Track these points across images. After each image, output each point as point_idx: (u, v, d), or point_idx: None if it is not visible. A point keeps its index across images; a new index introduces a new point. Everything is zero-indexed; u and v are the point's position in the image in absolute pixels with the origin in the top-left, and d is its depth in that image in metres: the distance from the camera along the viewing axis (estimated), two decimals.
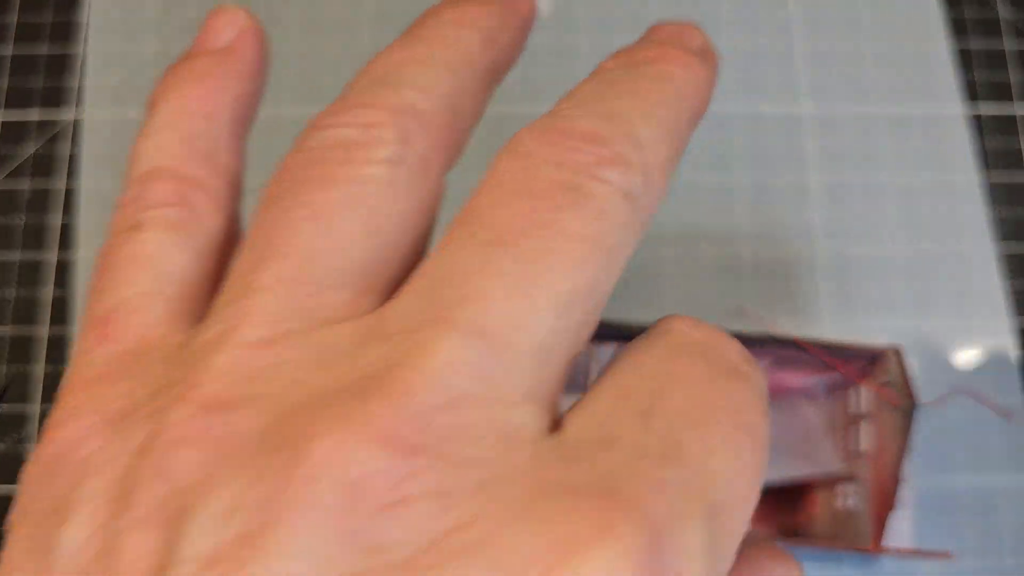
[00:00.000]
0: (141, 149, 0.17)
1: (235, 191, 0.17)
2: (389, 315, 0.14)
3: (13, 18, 0.39)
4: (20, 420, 0.34)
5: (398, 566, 0.11)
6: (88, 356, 0.15)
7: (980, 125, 0.38)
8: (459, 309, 0.13)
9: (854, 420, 0.32)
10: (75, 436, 0.14)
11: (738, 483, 0.13)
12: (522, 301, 0.13)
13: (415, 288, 0.14)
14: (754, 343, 0.30)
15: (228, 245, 0.17)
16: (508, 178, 0.14)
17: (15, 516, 0.14)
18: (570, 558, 0.11)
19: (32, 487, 0.14)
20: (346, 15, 0.39)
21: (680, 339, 0.15)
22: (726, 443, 0.13)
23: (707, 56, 0.17)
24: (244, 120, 0.18)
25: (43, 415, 0.34)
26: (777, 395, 0.34)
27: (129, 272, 0.15)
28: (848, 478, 0.31)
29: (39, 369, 0.35)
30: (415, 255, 0.15)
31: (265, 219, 0.15)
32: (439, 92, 0.16)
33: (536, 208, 0.14)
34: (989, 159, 0.38)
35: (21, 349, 0.35)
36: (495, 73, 0.18)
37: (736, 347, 0.15)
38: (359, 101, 0.15)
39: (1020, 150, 0.38)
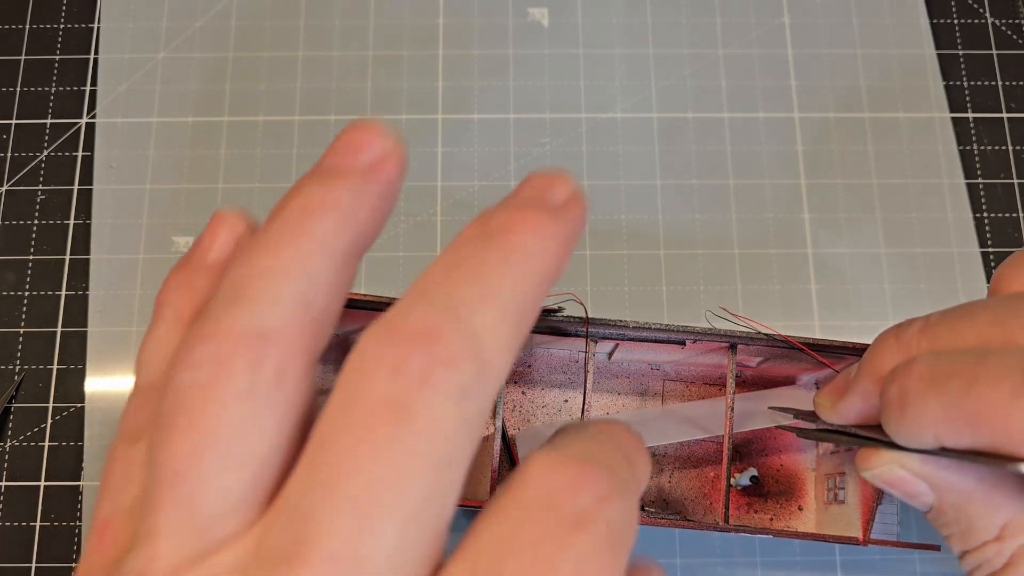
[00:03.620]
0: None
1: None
2: (261, 551, 0.15)
3: (27, 26, 0.40)
4: (35, 416, 0.35)
5: None
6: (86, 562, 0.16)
7: (966, 130, 0.38)
8: (313, 543, 0.14)
9: None
10: None
11: None
12: (368, 525, 0.14)
13: (276, 524, 0.15)
14: (747, 341, 0.30)
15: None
16: (347, 399, 0.15)
17: None
18: None
19: None
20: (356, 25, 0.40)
21: (531, 493, 0.15)
22: None
23: (568, 210, 0.17)
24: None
25: (55, 412, 0.35)
26: (769, 390, 0.34)
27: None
28: (838, 472, 0.32)
29: (53, 367, 0.35)
30: (294, 442, 0.16)
31: (151, 462, 0.16)
32: (288, 301, 0.16)
33: (371, 434, 0.14)
34: (975, 164, 0.38)
35: (36, 347, 0.35)
36: (357, 250, 0.17)
37: (590, 486, 0.15)
38: (208, 332, 0.15)
39: (1006, 154, 0.38)
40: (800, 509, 0.33)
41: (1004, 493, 0.21)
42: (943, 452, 0.20)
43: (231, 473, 0.15)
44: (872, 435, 0.23)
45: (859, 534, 0.29)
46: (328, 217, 0.16)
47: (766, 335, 0.30)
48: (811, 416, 0.27)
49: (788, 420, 0.30)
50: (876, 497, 0.28)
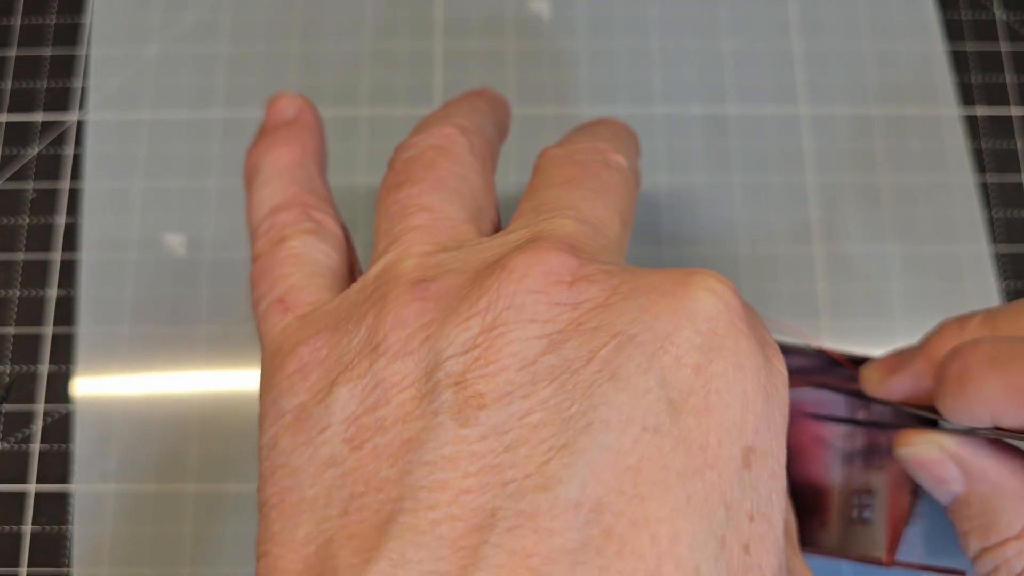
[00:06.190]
0: (259, 197, 0.22)
1: (335, 208, 0.23)
2: (515, 226, 0.20)
3: (17, 21, 0.38)
4: (25, 419, 0.34)
5: (598, 307, 0.17)
6: (281, 323, 0.20)
7: (975, 127, 0.37)
8: (567, 210, 0.19)
9: (874, 431, 0.31)
10: (307, 350, 0.18)
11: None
12: (602, 210, 0.20)
13: (525, 211, 0.20)
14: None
15: (348, 242, 0.23)
16: (556, 160, 0.22)
17: (269, 426, 0.18)
18: (691, 276, 0.17)
19: (281, 397, 0.18)
20: (348, 19, 0.38)
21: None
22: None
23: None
24: (321, 164, 0.24)
25: (47, 414, 0.34)
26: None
27: (289, 267, 0.21)
28: (865, 489, 0.31)
29: (43, 368, 0.34)
30: (495, 207, 0.22)
31: (397, 196, 0.21)
32: (475, 122, 0.23)
33: (585, 169, 0.21)
34: (984, 160, 0.37)
35: (26, 348, 0.34)
36: (499, 127, 0.25)
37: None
38: (431, 124, 0.22)
39: (1015, 151, 0.37)
40: (822, 525, 0.32)
41: None
42: (995, 431, 0.20)
43: (470, 196, 0.21)
44: (915, 412, 0.24)
45: (883, 555, 0.27)
46: (484, 104, 0.25)
47: (789, 347, 0.28)
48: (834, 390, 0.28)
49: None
50: (906, 517, 0.27)
